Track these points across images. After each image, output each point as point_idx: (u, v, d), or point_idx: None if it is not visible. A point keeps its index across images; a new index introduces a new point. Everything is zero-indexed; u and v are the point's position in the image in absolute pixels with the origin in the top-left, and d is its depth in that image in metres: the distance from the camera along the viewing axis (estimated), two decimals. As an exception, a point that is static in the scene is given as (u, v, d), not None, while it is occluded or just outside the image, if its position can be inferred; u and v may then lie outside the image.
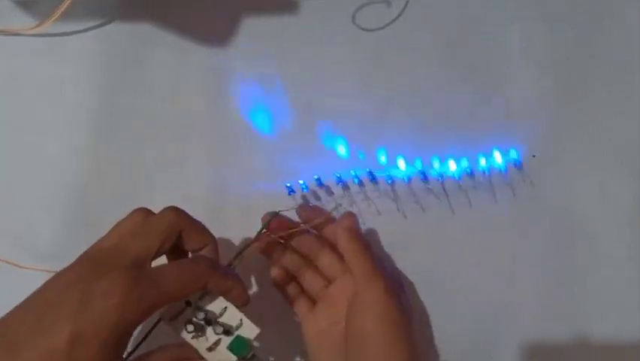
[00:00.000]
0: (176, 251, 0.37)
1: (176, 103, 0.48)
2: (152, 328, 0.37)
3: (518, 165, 0.47)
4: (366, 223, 0.47)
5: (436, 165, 0.47)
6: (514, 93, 0.48)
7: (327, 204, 0.47)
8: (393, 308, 0.38)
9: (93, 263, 0.32)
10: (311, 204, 0.46)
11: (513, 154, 0.47)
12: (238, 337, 0.35)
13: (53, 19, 0.45)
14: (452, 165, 0.46)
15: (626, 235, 0.47)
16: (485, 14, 0.49)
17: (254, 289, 0.46)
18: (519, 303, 0.46)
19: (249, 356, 0.35)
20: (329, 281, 0.43)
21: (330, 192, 0.47)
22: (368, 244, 0.41)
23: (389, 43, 0.49)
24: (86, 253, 0.34)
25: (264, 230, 0.41)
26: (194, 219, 0.37)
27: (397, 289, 0.41)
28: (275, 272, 0.42)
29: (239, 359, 0.35)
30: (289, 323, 0.45)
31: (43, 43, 0.48)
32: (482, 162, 0.47)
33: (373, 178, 0.46)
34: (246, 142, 0.48)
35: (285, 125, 0.48)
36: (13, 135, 0.47)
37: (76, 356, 0.29)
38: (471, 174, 0.47)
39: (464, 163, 0.47)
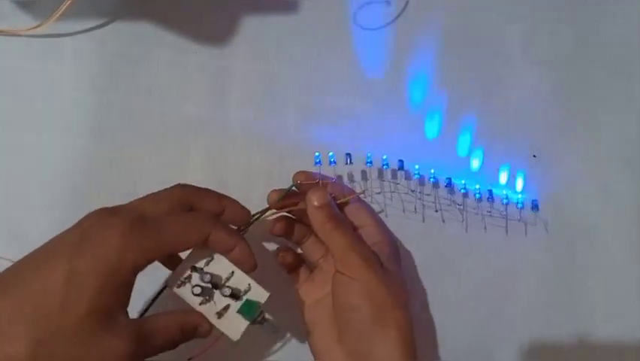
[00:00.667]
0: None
1: (176, 103, 0.48)
2: (158, 294, 0.36)
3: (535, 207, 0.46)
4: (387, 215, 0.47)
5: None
6: (514, 93, 0.48)
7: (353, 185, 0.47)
8: (375, 285, 0.37)
9: (99, 211, 0.32)
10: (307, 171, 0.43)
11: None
12: (247, 300, 0.34)
13: (53, 19, 0.45)
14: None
15: (626, 235, 0.47)
16: (485, 14, 0.49)
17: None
18: (519, 303, 0.46)
19: (260, 318, 0.35)
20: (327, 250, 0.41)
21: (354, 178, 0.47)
22: (341, 217, 0.39)
23: (389, 43, 0.49)
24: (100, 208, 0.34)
25: (293, 188, 0.40)
26: (204, 188, 0.37)
27: (391, 261, 0.40)
28: (281, 255, 0.42)
29: (250, 323, 0.34)
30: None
31: (43, 44, 0.48)
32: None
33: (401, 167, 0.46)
34: (246, 142, 0.48)
35: (285, 125, 0.48)
36: (12, 135, 0.47)
37: (73, 295, 0.28)
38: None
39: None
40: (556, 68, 0.49)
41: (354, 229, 0.41)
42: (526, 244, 0.47)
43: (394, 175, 0.47)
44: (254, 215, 0.39)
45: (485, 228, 0.47)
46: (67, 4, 0.44)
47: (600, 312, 0.46)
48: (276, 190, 0.41)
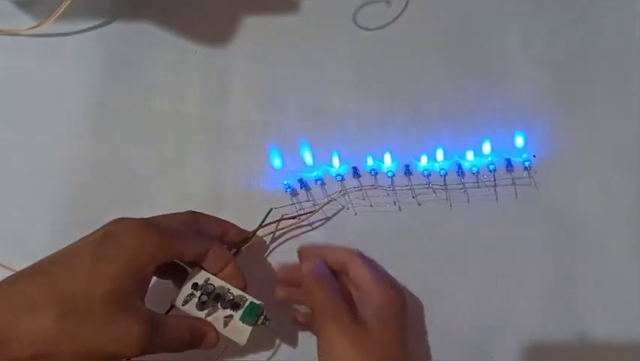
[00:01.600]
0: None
1: (176, 103, 0.48)
2: (167, 312, 0.38)
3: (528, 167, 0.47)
4: (357, 214, 0.47)
5: (439, 158, 0.47)
6: (514, 93, 0.48)
7: (324, 197, 0.47)
8: (337, 341, 0.37)
9: (120, 219, 0.36)
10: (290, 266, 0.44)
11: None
12: (248, 306, 0.38)
13: (53, 19, 0.45)
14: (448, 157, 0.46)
15: (626, 235, 0.47)
16: (485, 14, 0.49)
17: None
18: (519, 303, 0.46)
19: (262, 320, 0.38)
20: None
21: (326, 186, 0.47)
22: (327, 280, 0.40)
23: (389, 43, 0.49)
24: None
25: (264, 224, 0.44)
26: (211, 215, 0.42)
27: (382, 320, 0.39)
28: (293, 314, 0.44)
29: (254, 326, 0.38)
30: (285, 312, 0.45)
31: (43, 44, 0.48)
32: (486, 148, 0.47)
33: (375, 172, 0.47)
34: (246, 142, 0.48)
35: (285, 125, 0.48)
36: (12, 135, 0.47)
37: (97, 279, 0.32)
38: (474, 173, 0.47)
39: (466, 158, 0.47)
40: (556, 68, 0.49)
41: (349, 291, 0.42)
42: (525, 243, 0.47)
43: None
44: (245, 239, 0.43)
45: (469, 201, 0.47)
46: (67, 3, 0.44)
47: (600, 312, 0.46)
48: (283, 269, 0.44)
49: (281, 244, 0.46)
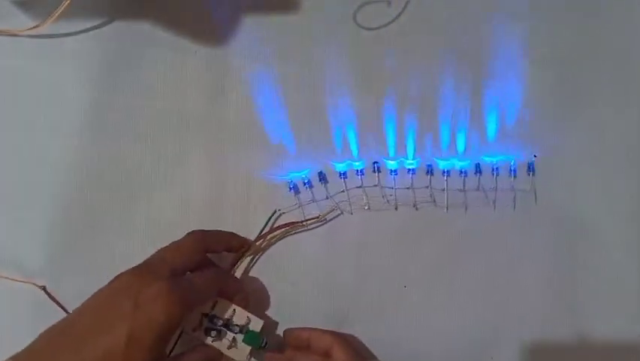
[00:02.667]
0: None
1: (176, 103, 0.48)
2: (177, 339, 0.42)
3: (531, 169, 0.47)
4: (353, 213, 0.47)
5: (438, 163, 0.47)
6: (514, 93, 0.48)
7: (325, 201, 0.47)
8: None
9: (139, 273, 0.38)
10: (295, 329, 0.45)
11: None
12: (250, 331, 0.42)
13: (52, 19, 0.45)
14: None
15: (626, 235, 0.47)
16: (485, 14, 0.49)
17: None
18: (519, 303, 0.46)
19: (263, 344, 0.42)
20: None
21: (328, 186, 0.48)
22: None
23: (390, 42, 0.49)
24: (135, 266, 0.39)
25: (266, 230, 0.46)
26: (213, 231, 0.44)
27: None
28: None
29: (255, 349, 0.42)
30: (285, 312, 0.46)
31: (42, 44, 0.47)
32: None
33: (377, 169, 0.47)
34: (246, 142, 0.48)
35: (285, 125, 0.48)
36: (12, 135, 0.47)
37: (132, 352, 0.35)
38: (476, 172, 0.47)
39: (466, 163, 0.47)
40: (556, 68, 0.49)
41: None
42: (526, 243, 0.47)
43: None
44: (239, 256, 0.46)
45: (470, 202, 0.47)
46: (66, 3, 0.43)
47: (600, 312, 0.46)
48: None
49: (279, 240, 0.47)
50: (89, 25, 0.48)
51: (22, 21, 0.47)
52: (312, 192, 0.47)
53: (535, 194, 0.47)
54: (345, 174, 0.47)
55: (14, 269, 0.46)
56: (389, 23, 0.49)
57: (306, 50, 0.48)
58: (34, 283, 0.45)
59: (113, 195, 0.47)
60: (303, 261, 0.47)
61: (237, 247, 0.45)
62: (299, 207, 0.47)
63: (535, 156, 0.47)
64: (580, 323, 0.46)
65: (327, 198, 0.47)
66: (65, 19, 0.46)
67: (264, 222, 0.46)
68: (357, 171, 0.47)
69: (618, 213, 0.47)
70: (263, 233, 0.46)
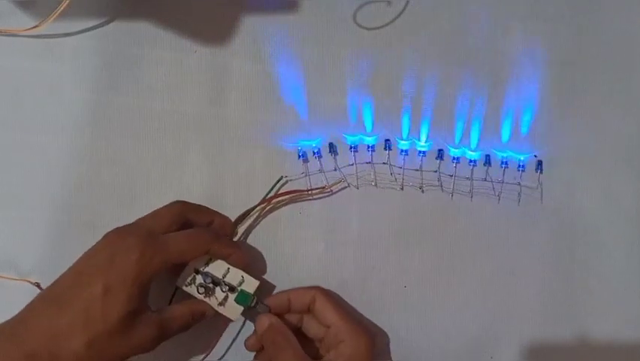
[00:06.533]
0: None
1: (176, 103, 0.48)
2: (173, 294, 0.43)
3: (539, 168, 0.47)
4: (359, 188, 0.47)
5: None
6: (514, 93, 0.48)
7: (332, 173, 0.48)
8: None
9: (117, 233, 0.40)
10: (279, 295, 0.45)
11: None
12: (242, 291, 0.42)
13: (52, 19, 0.45)
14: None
15: (626, 235, 0.47)
16: (485, 14, 0.49)
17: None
18: (519, 303, 0.46)
19: (253, 304, 0.43)
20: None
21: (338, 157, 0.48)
22: (283, 340, 0.42)
23: (390, 42, 0.49)
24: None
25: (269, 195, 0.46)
26: (197, 204, 0.44)
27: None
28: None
29: (245, 308, 0.42)
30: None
31: (42, 44, 0.47)
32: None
33: (388, 147, 0.48)
34: (246, 142, 0.48)
35: (285, 125, 0.48)
36: (12, 135, 0.47)
37: (110, 304, 0.37)
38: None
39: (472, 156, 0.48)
40: (556, 68, 0.49)
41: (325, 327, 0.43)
42: (526, 243, 0.47)
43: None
44: (240, 217, 0.46)
45: (472, 201, 0.47)
46: (66, 3, 0.43)
47: (600, 312, 0.46)
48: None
49: (283, 206, 0.47)
50: (89, 25, 0.48)
51: (22, 20, 0.47)
52: (320, 163, 0.47)
53: (542, 193, 0.47)
54: (356, 147, 0.47)
55: (10, 268, 0.46)
56: (389, 24, 0.49)
57: (306, 50, 0.48)
58: (28, 281, 0.45)
59: (112, 195, 0.47)
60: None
61: (218, 223, 0.45)
62: (305, 176, 0.47)
63: (535, 156, 0.47)
64: (580, 323, 0.46)
65: (335, 170, 0.47)
66: (66, 18, 0.46)
67: (269, 188, 0.47)
68: (369, 146, 0.47)
69: (618, 213, 0.47)
70: (267, 197, 0.46)
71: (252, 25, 0.48)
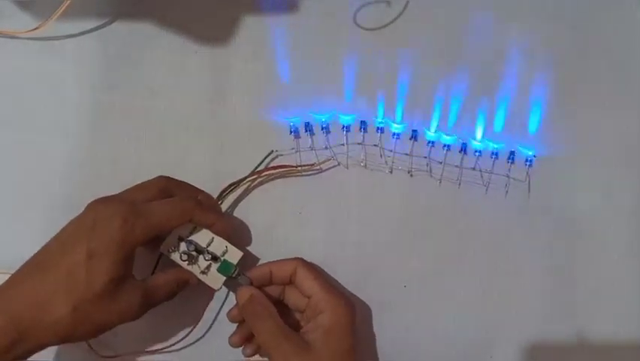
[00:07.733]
0: None
1: (176, 103, 0.48)
2: (158, 260, 0.44)
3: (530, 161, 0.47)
4: (349, 168, 0.48)
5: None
6: (514, 93, 0.48)
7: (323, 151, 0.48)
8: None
9: (101, 202, 0.40)
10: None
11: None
12: (225, 261, 0.43)
13: (53, 19, 0.45)
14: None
15: (626, 235, 0.47)
16: (485, 14, 0.49)
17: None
18: (519, 303, 0.46)
19: (235, 274, 0.43)
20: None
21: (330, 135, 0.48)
22: (263, 310, 0.42)
23: (390, 42, 0.49)
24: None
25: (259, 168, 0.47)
26: (183, 181, 0.45)
27: (331, 337, 0.41)
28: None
29: (227, 278, 0.43)
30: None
31: (43, 44, 0.48)
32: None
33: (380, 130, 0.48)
34: (246, 142, 0.48)
35: (284, 125, 0.48)
36: (12, 135, 0.47)
37: (93, 269, 0.37)
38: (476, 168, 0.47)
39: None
40: (556, 68, 0.49)
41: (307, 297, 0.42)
42: (525, 243, 0.47)
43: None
44: (228, 187, 0.46)
45: (472, 201, 0.47)
46: (67, 4, 0.43)
47: (600, 312, 0.46)
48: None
49: (271, 180, 0.48)
50: (89, 25, 0.48)
51: (24, 21, 0.47)
52: (311, 139, 0.48)
53: (529, 185, 0.47)
54: (348, 127, 0.47)
55: (10, 268, 0.46)
56: (389, 24, 0.49)
57: (306, 50, 0.48)
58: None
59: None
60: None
61: (202, 198, 0.44)
62: (296, 152, 0.47)
63: (535, 156, 0.47)
64: (580, 323, 0.46)
65: (325, 148, 0.47)
66: (66, 18, 0.46)
67: (259, 160, 0.47)
68: (361, 127, 0.47)
69: (618, 213, 0.47)
70: (257, 170, 0.46)
71: (252, 25, 0.48)
